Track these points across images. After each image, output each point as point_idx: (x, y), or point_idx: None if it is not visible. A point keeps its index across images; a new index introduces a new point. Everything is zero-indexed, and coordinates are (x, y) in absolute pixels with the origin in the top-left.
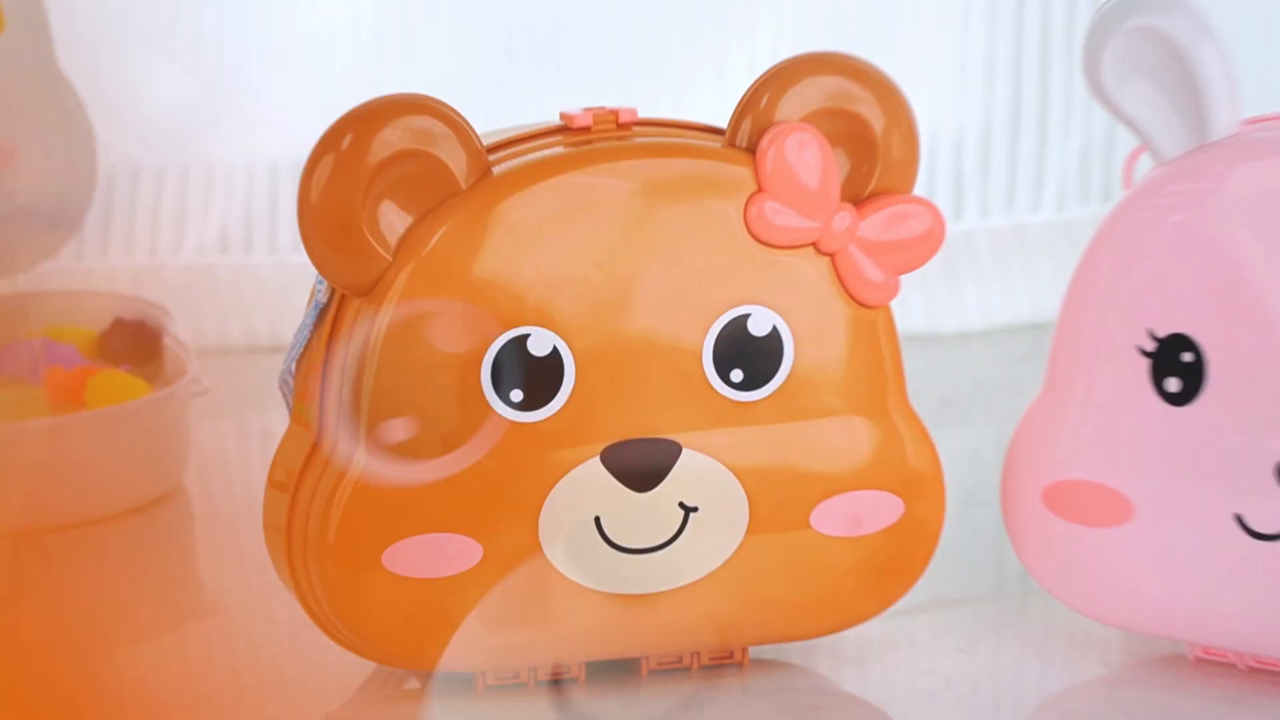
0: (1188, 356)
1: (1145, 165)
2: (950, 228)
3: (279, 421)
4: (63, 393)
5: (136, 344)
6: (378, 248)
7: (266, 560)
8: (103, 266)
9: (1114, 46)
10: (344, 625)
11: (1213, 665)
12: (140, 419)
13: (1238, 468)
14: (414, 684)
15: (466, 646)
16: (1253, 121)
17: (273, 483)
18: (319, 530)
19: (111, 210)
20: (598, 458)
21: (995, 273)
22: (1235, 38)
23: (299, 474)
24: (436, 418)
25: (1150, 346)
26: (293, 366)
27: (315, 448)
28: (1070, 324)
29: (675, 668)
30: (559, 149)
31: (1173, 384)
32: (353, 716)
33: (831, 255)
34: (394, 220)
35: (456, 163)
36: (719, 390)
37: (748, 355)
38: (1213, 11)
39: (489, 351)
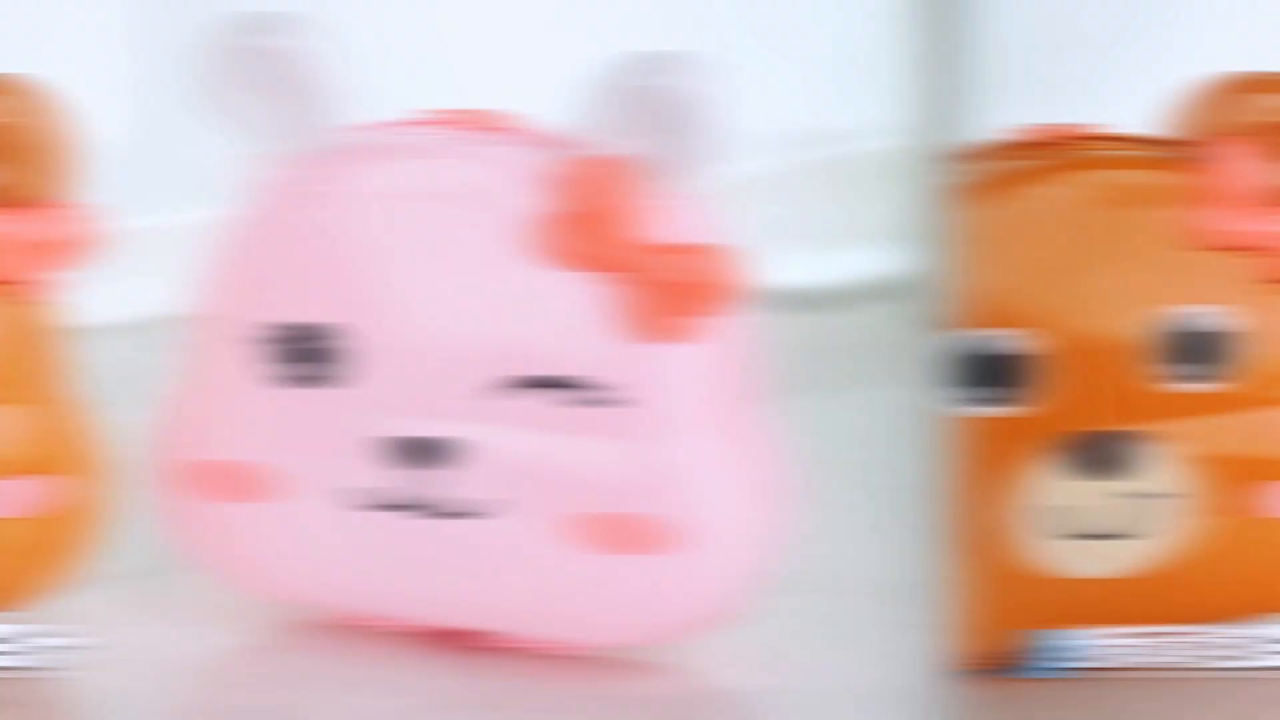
0: (312, 343)
1: (264, 168)
2: (96, 228)
3: None
4: None
5: None
6: None
7: None
8: None
9: (231, 59)
10: None
11: (354, 630)
12: None
13: (363, 445)
14: None
15: None
16: (365, 128)
17: None
18: None
19: None
20: None
21: (136, 269)
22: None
23: None
24: None
25: (275, 334)
26: None
27: None
28: (201, 315)
29: None
30: None
31: (301, 369)
32: None
33: None
34: None
35: None
36: None
37: None
38: (346, 22)
39: None
